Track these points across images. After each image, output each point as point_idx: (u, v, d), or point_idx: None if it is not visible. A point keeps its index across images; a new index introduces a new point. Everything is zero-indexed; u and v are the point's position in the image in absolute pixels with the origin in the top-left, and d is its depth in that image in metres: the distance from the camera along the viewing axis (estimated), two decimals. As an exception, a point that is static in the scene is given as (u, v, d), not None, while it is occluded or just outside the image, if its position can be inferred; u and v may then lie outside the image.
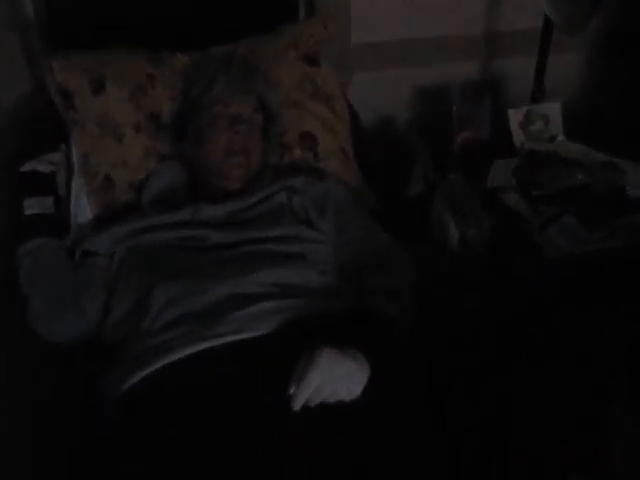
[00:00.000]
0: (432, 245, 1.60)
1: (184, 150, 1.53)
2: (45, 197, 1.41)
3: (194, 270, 1.27)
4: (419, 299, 1.28)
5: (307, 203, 1.44)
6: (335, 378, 1.02)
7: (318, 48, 1.73)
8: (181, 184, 1.53)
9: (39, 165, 1.43)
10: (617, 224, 1.57)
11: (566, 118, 1.93)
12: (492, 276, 1.48)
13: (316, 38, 1.73)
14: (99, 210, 1.57)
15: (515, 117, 1.91)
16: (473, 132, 1.90)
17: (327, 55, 1.74)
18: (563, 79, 2.11)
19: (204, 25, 1.74)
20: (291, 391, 1.02)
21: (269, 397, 1.04)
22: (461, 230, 1.57)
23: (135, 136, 1.59)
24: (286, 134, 1.66)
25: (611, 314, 1.28)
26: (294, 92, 1.68)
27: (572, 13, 1.74)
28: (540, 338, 1.11)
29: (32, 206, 1.39)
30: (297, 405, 1.01)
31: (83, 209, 1.57)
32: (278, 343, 1.14)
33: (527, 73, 1.96)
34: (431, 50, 2.16)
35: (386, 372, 1.07)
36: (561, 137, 1.92)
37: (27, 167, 1.42)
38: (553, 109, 1.93)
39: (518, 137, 1.91)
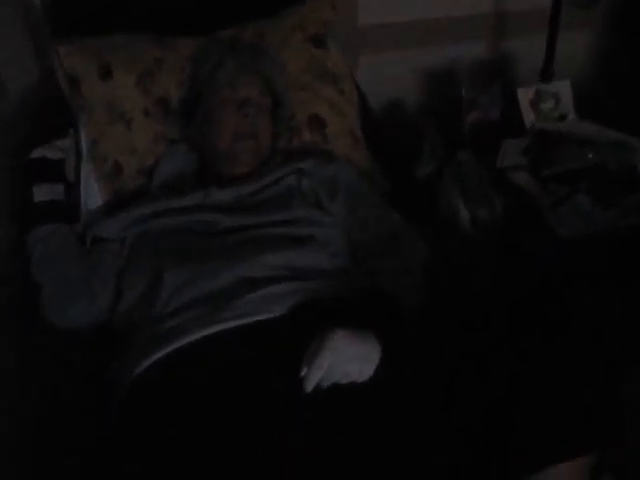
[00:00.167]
0: (442, 226, 1.59)
1: (193, 135, 1.53)
2: (55, 184, 1.41)
3: (204, 254, 1.27)
4: (430, 279, 1.28)
5: (317, 186, 1.44)
6: (347, 359, 1.02)
7: (325, 29, 1.72)
8: (190, 169, 1.53)
9: (48, 152, 1.43)
10: (628, 203, 1.56)
11: (577, 96, 1.91)
12: (503, 255, 1.48)
13: (323, 19, 1.72)
14: (109, 196, 1.57)
15: (525, 96, 1.89)
16: (482, 112, 1.88)
17: (334, 36, 1.73)
18: (573, 57, 2.10)
19: (210, 9, 1.72)
20: (303, 373, 1.02)
21: (281, 379, 1.04)
22: (471, 210, 1.56)
23: (143, 121, 1.59)
24: (294, 117, 1.65)
25: (623, 289, 1.27)
26: (302, 74, 1.68)
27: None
28: (552, 314, 1.10)
29: (42, 193, 1.39)
30: (309, 387, 1.01)
31: (93, 195, 1.57)
32: (289, 326, 1.14)
33: (536, 52, 1.94)
34: (439, 31, 2.14)
35: (398, 353, 1.06)
36: (572, 116, 1.90)
37: (36, 154, 1.42)
38: (563, 87, 1.91)
39: (528, 116, 1.89)
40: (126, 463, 1.02)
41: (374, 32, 2.07)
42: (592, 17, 2.17)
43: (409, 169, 1.77)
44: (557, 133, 1.77)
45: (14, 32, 1.66)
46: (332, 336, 1.03)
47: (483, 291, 1.36)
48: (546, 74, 1.94)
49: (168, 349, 1.14)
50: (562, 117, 1.90)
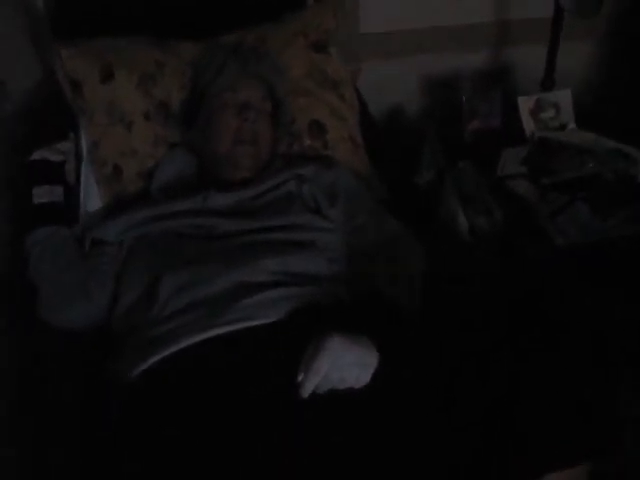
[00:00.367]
0: (441, 233, 1.59)
1: (193, 139, 1.53)
2: (54, 186, 1.41)
3: (203, 258, 1.27)
4: (430, 280, 1.28)
5: (316, 191, 1.44)
6: (344, 365, 1.02)
7: (327, 35, 1.72)
8: (190, 172, 1.53)
9: (48, 154, 1.43)
10: (627, 212, 1.56)
11: (577, 106, 1.91)
12: (502, 263, 1.48)
13: (325, 25, 1.72)
14: (108, 198, 1.58)
15: (525, 105, 1.89)
16: (483, 121, 1.89)
17: (336, 43, 1.73)
18: (574, 67, 2.10)
19: (212, 13, 1.73)
20: (299, 379, 1.02)
21: (277, 385, 1.04)
22: (470, 219, 1.56)
23: (144, 124, 1.59)
24: (295, 122, 1.65)
25: (624, 292, 1.27)
26: (303, 80, 1.68)
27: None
28: (552, 314, 1.11)
29: (41, 195, 1.39)
30: (305, 393, 1.01)
31: (92, 198, 1.57)
32: (286, 331, 1.14)
33: (537, 61, 1.95)
34: (441, 39, 2.15)
35: (395, 358, 1.06)
36: (572, 125, 1.90)
37: (36, 156, 1.42)
38: (564, 97, 1.91)
39: (528, 125, 1.89)
40: (125, 463, 1.02)
41: (376, 39, 2.08)
42: (593, 27, 2.17)
43: (409, 176, 1.77)
44: (557, 142, 1.78)
45: (16, 34, 1.67)
46: (329, 341, 1.03)
47: (483, 291, 1.36)
48: (547, 83, 1.94)
49: (165, 352, 1.13)
50: (562, 126, 1.90)
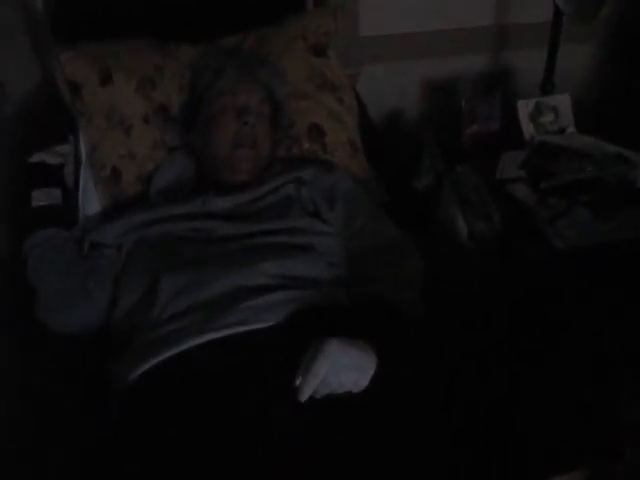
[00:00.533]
0: (440, 237, 1.59)
1: (192, 142, 1.53)
2: (53, 189, 1.41)
3: (201, 261, 1.27)
4: (429, 281, 1.28)
5: (315, 195, 1.44)
6: (342, 369, 1.02)
7: (326, 39, 1.72)
8: (189, 175, 1.53)
9: (47, 157, 1.43)
10: (626, 216, 1.56)
11: (576, 110, 1.91)
12: (501, 267, 1.48)
13: (324, 29, 1.72)
14: (107, 201, 1.58)
15: (524, 109, 1.89)
16: (482, 124, 1.89)
17: (335, 46, 1.73)
18: (573, 71, 2.10)
19: (211, 16, 1.73)
20: (297, 382, 1.02)
21: (276, 388, 1.03)
22: (469, 223, 1.56)
23: (143, 128, 1.59)
24: (294, 126, 1.65)
25: (624, 293, 1.27)
26: (302, 83, 1.68)
27: (582, 1, 1.72)
28: (553, 315, 1.11)
29: (40, 197, 1.39)
30: (303, 397, 1.01)
31: (91, 201, 1.57)
32: (285, 334, 1.14)
33: (537, 65, 1.95)
34: (441, 42, 2.15)
35: (394, 362, 1.06)
36: (571, 129, 1.90)
37: (35, 158, 1.42)
38: (563, 101, 1.91)
39: (528, 129, 1.89)
40: (124, 465, 1.02)
41: (375, 43, 2.08)
42: (592, 31, 2.17)
43: (408, 180, 1.77)
44: (556, 146, 1.78)
45: (15, 35, 1.67)
46: (328, 345, 1.03)
47: (483, 291, 1.36)
48: (546, 87, 1.94)
49: (164, 355, 1.13)
50: (561, 130, 1.90)
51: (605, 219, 1.55)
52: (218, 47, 1.63)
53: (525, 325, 1.12)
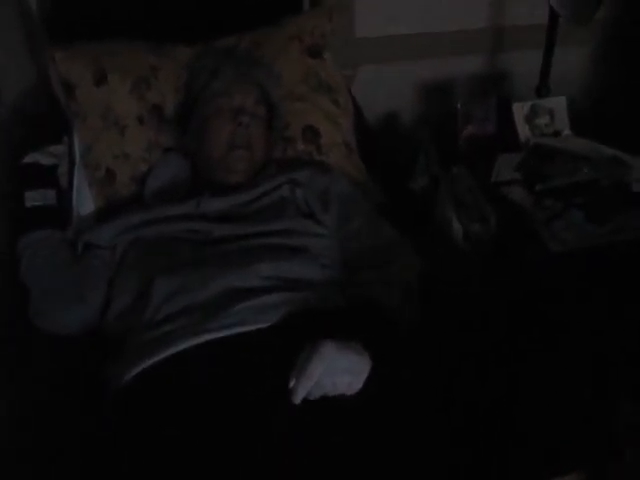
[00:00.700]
0: (436, 239, 1.59)
1: (187, 143, 1.53)
2: (47, 189, 1.41)
3: (196, 263, 1.27)
4: (427, 282, 1.27)
5: (310, 196, 1.44)
6: (336, 371, 1.01)
7: (322, 40, 1.71)
8: (184, 176, 1.52)
9: (41, 157, 1.42)
10: (621, 219, 1.56)
11: (572, 112, 1.91)
12: (496, 269, 1.48)
13: (320, 30, 1.72)
14: (101, 202, 1.57)
15: (520, 111, 1.90)
16: (478, 126, 1.89)
17: (331, 47, 1.73)
18: (569, 74, 2.10)
19: (207, 17, 1.73)
20: (291, 385, 1.01)
21: (270, 390, 1.03)
22: (464, 225, 1.56)
23: (137, 128, 1.58)
24: (289, 127, 1.65)
25: (623, 294, 1.28)
26: (297, 85, 1.68)
27: (578, 3, 1.73)
28: (552, 315, 1.11)
29: (34, 198, 1.38)
30: (297, 399, 1.00)
31: (85, 201, 1.56)
32: (280, 336, 1.13)
33: (533, 68, 1.95)
34: (436, 44, 2.15)
35: (389, 364, 1.06)
36: (567, 131, 1.91)
37: (29, 159, 1.41)
38: (558, 103, 1.91)
39: (523, 131, 1.89)
40: (123, 465, 1.02)
41: (371, 44, 2.08)
42: (588, 33, 2.17)
43: (404, 181, 1.77)
44: (552, 148, 1.78)
45: (10, 36, 1.66)
46: (322, 347, 1.02)
47: (482, 292, 1.36)
48: (542, 90, 1.94)
49: (158, 357, 1.13)
50: (557, 133, 1.90)
51: (600, 221, 1.55)
52: (214, 48, 1.62)
53: (524, 325, 1.12)
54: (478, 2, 2.15)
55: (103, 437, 1.10)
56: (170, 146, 1.60)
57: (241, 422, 1.00)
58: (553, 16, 1.83)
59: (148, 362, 1.13)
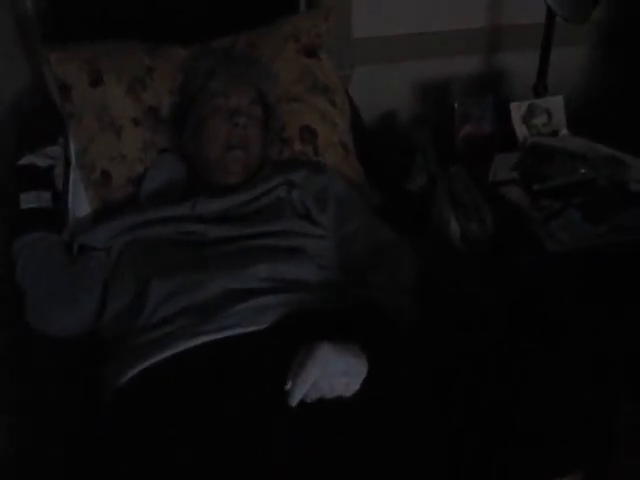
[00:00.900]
0: (434, 239, 1.59)
1: (183, 144, 1.52)
2: (43, 191, 1.41)
3: (193, 264, 1.26)
4: (426, 282, 1.27)
5: (307, 197, 1.43)
6: (333, 373, 1.01)
7: (319, 40, 1.71)
8: (180, 178, 1.52)
9: (37, 159, 1.42)
10: (619, 219, 1.56)
11: (569, 112, 1.91)
12: (493, 269, 1.48)
13: (317, 30, 1.72)
14: (97, 204, 1.57)
15: (517, 111, 1.89)
16: (475, 126, 1.89)
17: (328, 48, 1.73)
18: (566, 73, 2.10)
19: (203, 17, 1.73)
20: (287, 387, 1.01)
21: (269, 391, 1.03)
22: (462, 224, 1.56)
23: (133, 130, 1.58)
24: (285, 128, 1.64)
25: (622, 294, 1.28)
26: (294, 85, 1.67)
27: (575, 2, 1.72)
28: (552, 315, 1.11)
29: (29, 200, 1.39)
30: (294, 401, 1.00)
31: (81, 203, 1.56)
32: (277, 338, 1.13)
33: (530, 67, 1.95)
34: (433, 44, 2.14)
35: (386, 366, 1.06)
36: (564, 131, 1.91)
37: (25, 161, 1.41)
38: (556, 103, 1.91)
39: (520, 131, 1.89)
40: (121, 466, 1.01)
41: (368, 44, 2.08)
42: (585, 32, 2.17)
43: (401, 181, 1.76)
44: (549, 148, 1.78)
45: (5, 37, 1.66)
46: (319, 349, 1.02)
47: (481, 292, 1.36)
48: (539, 89, 1.94)
49: (156, 358, 1.12)
50: (554, 133, 1.90)
51: (598, 221, 1.54)
52: (210, 48, 1.62)
53: (524, 325, 1.12)
54: (475, 2, 2.15)
55: (101, 438, 1.09)
56: (166, 147, 1.59)
57: (239, 423, 1.00)
58: (550, 16, 1.83)
59: (146, 363, 1.12)
